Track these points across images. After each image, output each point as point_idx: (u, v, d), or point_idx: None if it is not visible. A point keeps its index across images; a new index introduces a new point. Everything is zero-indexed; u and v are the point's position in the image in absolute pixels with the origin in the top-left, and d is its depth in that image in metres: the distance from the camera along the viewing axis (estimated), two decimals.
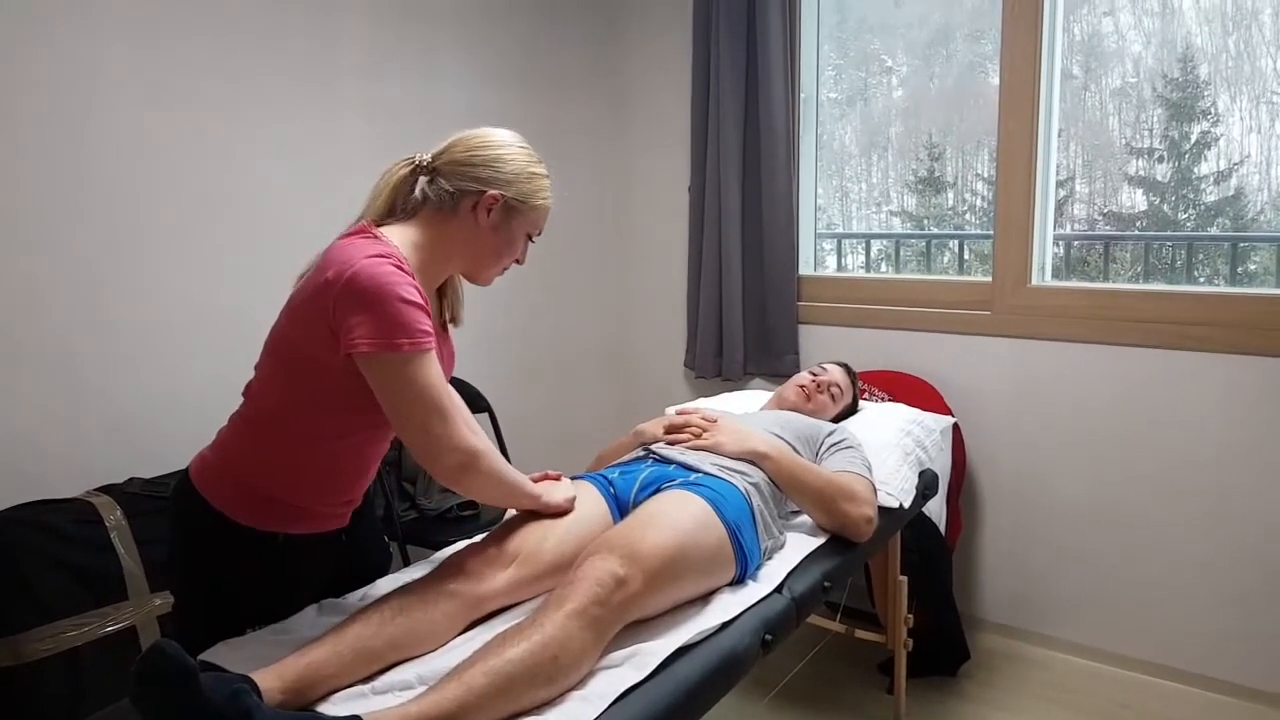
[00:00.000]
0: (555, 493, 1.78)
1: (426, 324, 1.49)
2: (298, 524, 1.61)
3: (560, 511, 1.76)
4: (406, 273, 1.49)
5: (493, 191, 1.60)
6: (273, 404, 1.59)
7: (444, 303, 1.75)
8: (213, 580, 1.61)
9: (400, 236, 1.58)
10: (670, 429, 2.15)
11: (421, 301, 1.49)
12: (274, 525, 1.58)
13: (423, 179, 1.62)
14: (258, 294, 2.45)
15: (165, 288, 2.42)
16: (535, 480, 1.79)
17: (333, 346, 1.48)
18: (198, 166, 2.46)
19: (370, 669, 1.44)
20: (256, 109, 2.58)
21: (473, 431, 1.59)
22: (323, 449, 1.59)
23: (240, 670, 1.31)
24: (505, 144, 1.64)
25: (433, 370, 1.49)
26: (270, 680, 1.32)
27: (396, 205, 1.63)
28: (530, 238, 1.71)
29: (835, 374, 2.57)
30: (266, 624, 1.58)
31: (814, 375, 2.54)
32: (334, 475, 1.64)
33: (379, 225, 1.60)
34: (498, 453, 1.61)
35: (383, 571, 1.84)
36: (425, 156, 1.64)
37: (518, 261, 1.72)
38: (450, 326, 1.78)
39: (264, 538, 1.58)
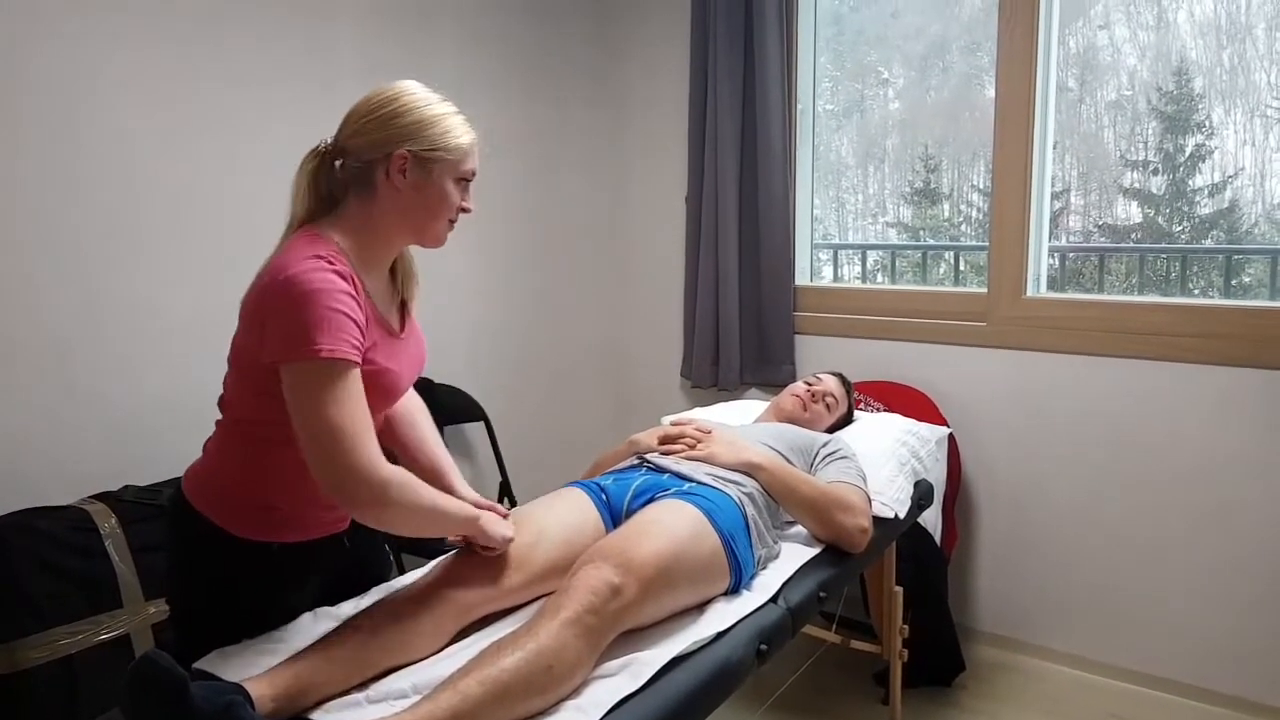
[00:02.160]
0: (496, 524, 1.64)
1: (352, 335, 1.39)
2: (290, 532, 1.60)
3: (491, 546, 1.63)
4: (343, 277, 1.42)
5: (398, 151, 1.49)
6: (242, 413, 1.57)
7: (396, 281, 1.66)
8: (209, 590, 1.60)
9: (338, 228, 1.52)
10: (665, 440, 2.16)
11: (351, 313, 1.40)
12: (266, 535, 1.57)
13: (336, 164, 1.55)
14: None
15: (163, 293, 2.42)
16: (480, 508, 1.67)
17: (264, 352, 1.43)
18: (196, 170, 2.47)
19: (362, 676, 1.44)
20: (255, 113, 2.58)
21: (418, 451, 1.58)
22: (297, 458, 1.51)
23: (233, 678, 1.32)
24: (396, 95, 1.53)
25: (349, 388, 1.38)
26: (262, 688, 1.32)
27: (323, 197, 1.56)
28: (465, 181, 1.59)
29: (830, 384, 2.57)
30: (264, 633, 1.57)
31: (809, 385, 2.54)
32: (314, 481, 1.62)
33: (313, 221, 1.54)
34: (415, 481, 1.49)
35: (382, 578, 1.83)
36: (327, 140, 1.56)
37: (464, 210, 1.60)
38: (412, 316, 1.69)
39: (258, 548, 1.57)
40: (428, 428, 1.80)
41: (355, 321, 1.41)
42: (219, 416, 1.64)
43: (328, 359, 1.35)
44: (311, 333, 1.35)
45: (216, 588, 1.59)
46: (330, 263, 1.42)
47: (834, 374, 2.64)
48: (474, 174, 1.60)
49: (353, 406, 1.38)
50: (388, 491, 1.41)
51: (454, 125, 1.54)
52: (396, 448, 1.75)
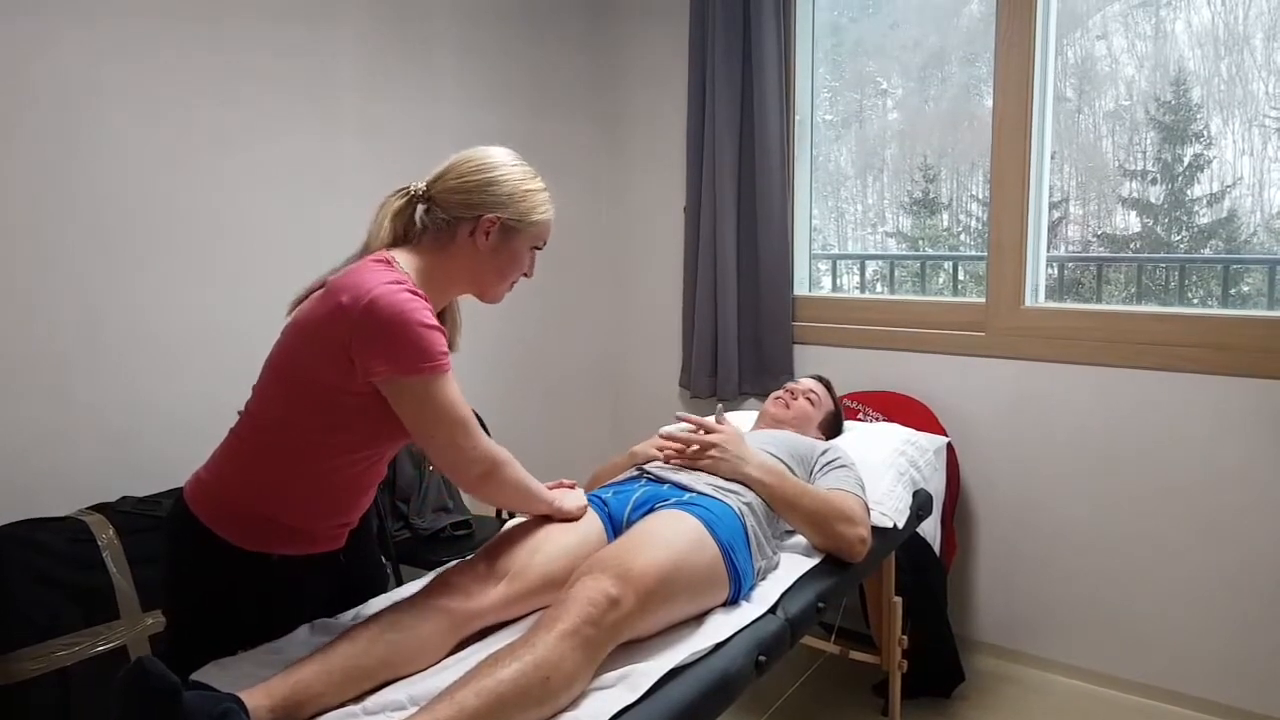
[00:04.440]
0: (568, 500, 1.83)
1: (444, 345, 1.53)
2: (293, 545, 1.61)
3: (573, 518, 1.82)
4: (421, 297, 1.52)
5: (489, 215, 1.61)
6: (273, 426, 1.59)
7: (445, 325, 1.74)
8: (207, 601, 1.60)
9: (408, 263, 1.60)
10: (670, 436, 2.13)
11: (438, 325, 1.53)
12: (268, 546, 1.58)
13: (420, 208, 1.64)
14: (253, 311, 2.47)
15: (160, 305, 2.42)
16: (550, 489, 1.83)
17: (347, 371, 1.49)
18: (193, 183, 2.47)
19: (360, 688, 1.43)
20: (253, 126, 2.59)
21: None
22: (321, 471, 1.59)
23: (230, 690, 1.31)
24: (497, 165, 1.64)
25: (453, 388, 1.54)
26: (259, 699, 1.31)
27: (399, 232, 1.65)
28: (535, 251, 1.73)
29: (808, 381, 2.59)
30: (259, 645, 1.57)
31: (786, 387, 2.56)
32: (331, 497, 1.64)
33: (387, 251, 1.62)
34: (515, 460, 1.67)
35: (379, 592, 1.84)
36: (420, 186, 1.65)
37: (525, 275, 1.74)
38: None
39: (258, 559, 1.57)
40: None
41: (442, 331, 1.55)
42: (233, 427, 1.65)
43: (442, 372, 1.51)
44: (418, 350, 1.48)
45: (214, 598, 1.59)
46: (404, 284, 1.52)
47: (812, 376, 2.64)
48: (544, 245, 1.74)
49: (461, 400, 1.56)
50: (499, 469, 1.63)
51: (541, 202, 1.68)
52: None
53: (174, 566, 1.65)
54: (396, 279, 1.52)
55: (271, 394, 1.60)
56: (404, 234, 1.65)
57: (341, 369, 1.50)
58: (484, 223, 1.61)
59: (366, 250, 1.63)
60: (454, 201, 1.62)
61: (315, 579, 1.68)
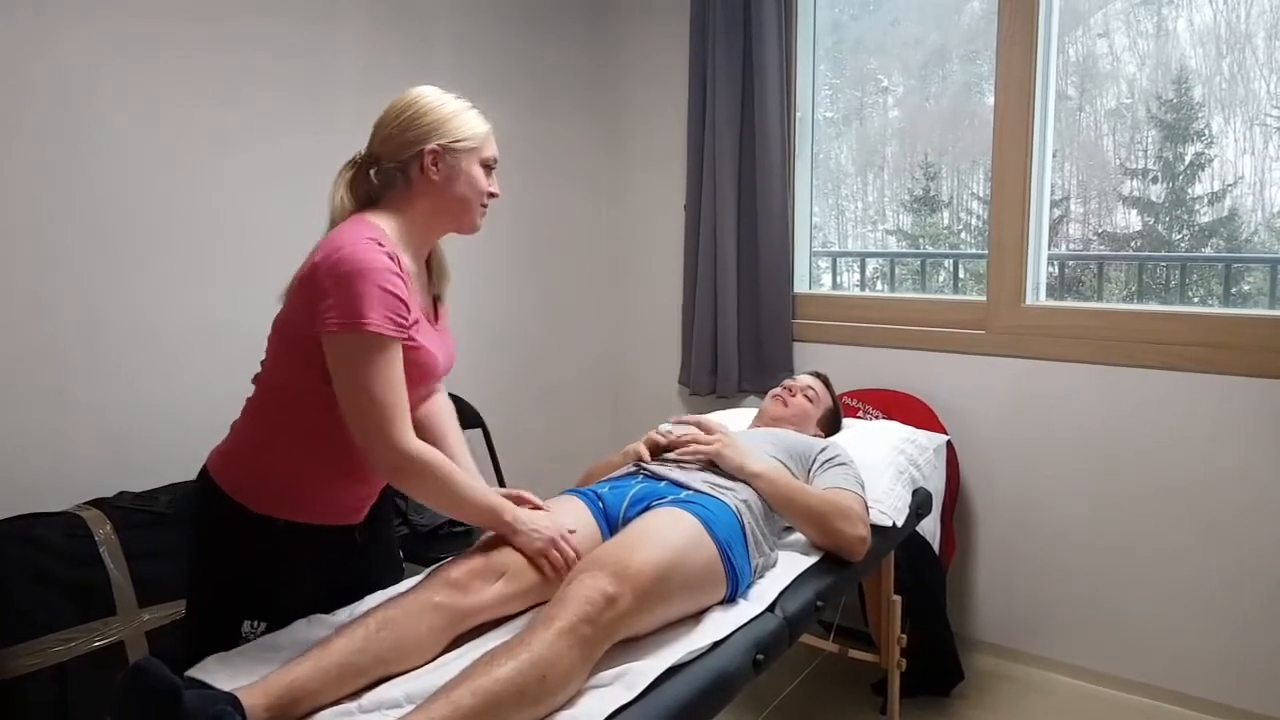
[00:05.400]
0: (538, 520, 1.71)
1: (400, 315, 1.52)
2: (312, 513, 1.65)
3: (529, 549, 1.67)
4: (394, 260, 1.53)
5: (428, 147, 1.64)
6: (278, 389, 1.64)
7: (431, 276, 1.78)
8: (232, 571, 1.63)
9: (385, 223, 1.64)
10: (675, 444, 2.15)
11: (399, 293, 1.52)
12: (289, 513, 1.62)
13: (371, 170, 1.68)
14: (253, 310, 2.45)
15: (158, 302, 2.42)
16: (511, 498, 1.74)
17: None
18: (193, 183, 2.47)
19: (356, 684, 1.43)
20: (253, 126, 2.59)
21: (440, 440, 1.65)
22: (328, 432, 1.60)
23: (227, 686, 1.31)
24: (417, 98, 1.68)
25: (392, 363, 1.51)
26: (255, 697, 1.31)
27: (362, 200, 1.69)
28: (489, 168, 1.74)
29: (806, 378, 2.59)
30: (280, 615, 1.61)
31: (784, 384, 2.55)
32: (342, 462, 1.64)
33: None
34: (447, 462, 1.60)
35: (395, 579, 1.86)
36: (361, 150, 1.71)
37: (492, 195, 1.75)
38: (444, 316, 1.80)
39: (281, 525, 1.61)
40: (457, 445, 1.87)
41: (403, 301, 1.53)
42: (250, 395, 1.69)
43: (374, 333, 1.48)
44: (361, 307, 1.47)
45: (238, 567, 1.63)
46: (381, 244, 1.54)
47: (810, 373, 2.64)
48: (496, 160, 1.75)
49: (393, 380, 1.51)
50: (411, 465, 1.54)
51: (471, 118, 1.71)
52: None
53: (200, 541, 1.69)
54: (373, 236, 1.55)
55: (272, 359, 1.65)
56: (368, 199, 1.69)
57: (310, 322, 1.53)
58: (427, 155, 1.64)
59: (332, 225, 1.66)
60: (393, 148, 1.65)
61: (334, 556, 1.71)
